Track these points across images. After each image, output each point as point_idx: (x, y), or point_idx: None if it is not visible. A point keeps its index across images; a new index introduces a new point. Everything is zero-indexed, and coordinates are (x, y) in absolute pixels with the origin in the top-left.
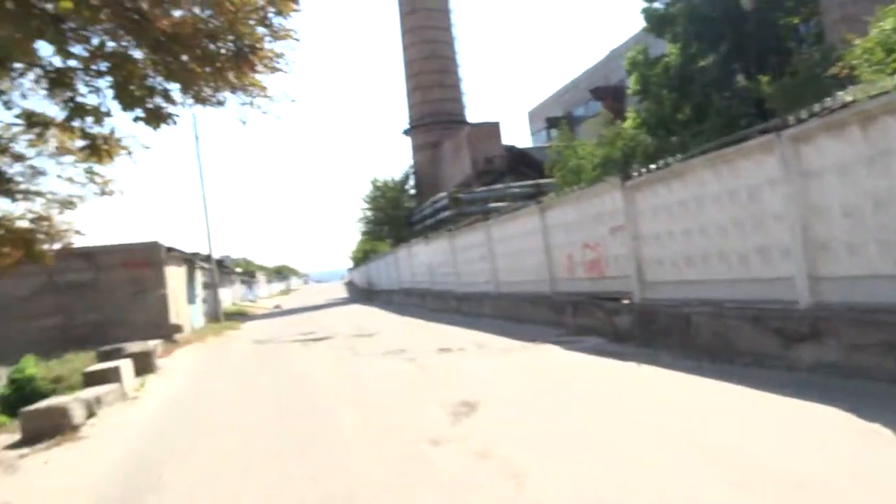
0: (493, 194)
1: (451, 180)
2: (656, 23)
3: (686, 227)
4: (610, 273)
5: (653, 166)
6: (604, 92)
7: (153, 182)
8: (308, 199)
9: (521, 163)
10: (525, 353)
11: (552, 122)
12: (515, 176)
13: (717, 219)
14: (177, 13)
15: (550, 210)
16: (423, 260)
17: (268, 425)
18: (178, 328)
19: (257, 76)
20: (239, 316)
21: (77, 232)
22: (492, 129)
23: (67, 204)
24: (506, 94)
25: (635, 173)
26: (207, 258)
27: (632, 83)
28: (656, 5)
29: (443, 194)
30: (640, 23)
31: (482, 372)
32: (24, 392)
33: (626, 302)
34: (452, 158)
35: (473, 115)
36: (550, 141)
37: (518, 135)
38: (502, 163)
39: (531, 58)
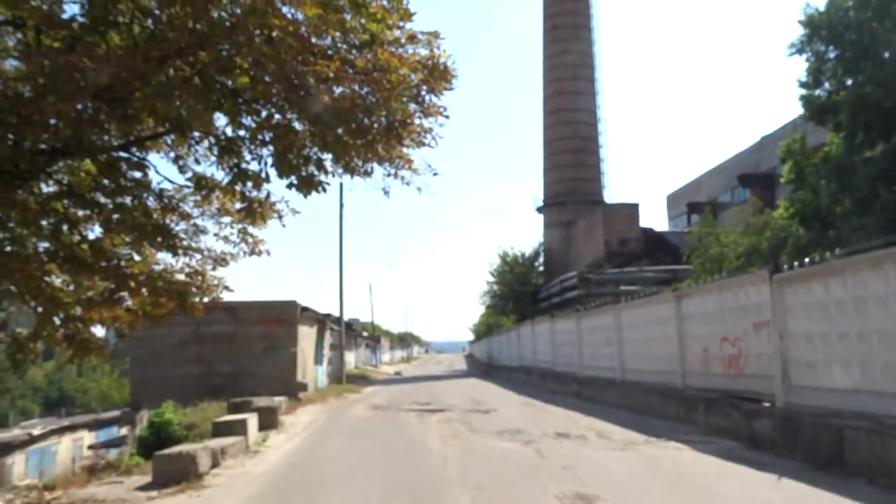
0: (624, 277)
1: (582, 260)
2: (817, 111)
3: (843, 331)
4: (750, 371)
5: (807, 260)
6: (752, 179)
7: (291, 240)
8: (437, 267)
9: (657, 247)
10: (650, 448)
11: (694, 208)
12: (650, 260)
13: (882, 325)
14: (338, 90)
15: (687, 298)
16: (546, 339)
17: (376, 495)
18: (303, 386)
19: (404, 149)
20: (361, 379)
21: (226, 287)
22: (629, 211)
23: (220, 261)
24: (645, 176)
25: (786, 266)
26: (337, 321)
27: (785, 172)
28: (818, 93)
29: (572, 273)
30: (796, 109)
31: (602, 464)
32: (160, 436)
33: (766, 404)
34: (585, 238)
35: (611, 195)
36: (690, 226)
37: (655, 218)
38: (637, 245)
39: (673, 141)
